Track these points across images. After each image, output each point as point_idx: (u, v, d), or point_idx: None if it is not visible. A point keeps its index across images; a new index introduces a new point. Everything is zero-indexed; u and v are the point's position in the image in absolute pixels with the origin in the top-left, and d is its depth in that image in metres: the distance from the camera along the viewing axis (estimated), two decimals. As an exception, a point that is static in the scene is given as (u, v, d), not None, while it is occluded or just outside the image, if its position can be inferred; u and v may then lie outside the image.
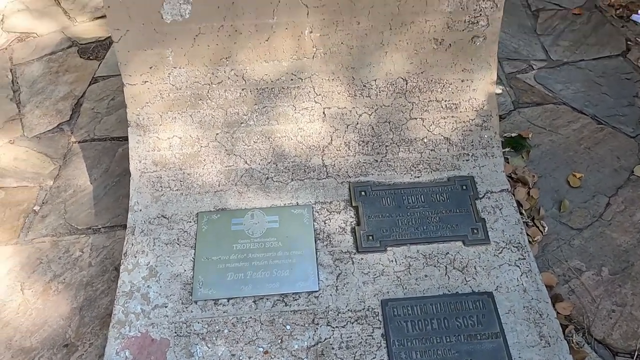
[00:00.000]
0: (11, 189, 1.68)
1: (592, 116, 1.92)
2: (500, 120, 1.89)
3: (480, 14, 1.33)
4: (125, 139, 1.81)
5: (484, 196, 1.37)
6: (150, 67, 1.33)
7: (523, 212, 1.57)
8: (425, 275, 1.23)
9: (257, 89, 1.37)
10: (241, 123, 1.39)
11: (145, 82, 1.34)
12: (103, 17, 2.41)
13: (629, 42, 2.27)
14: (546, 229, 1.54)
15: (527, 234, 1.48)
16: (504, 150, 1.76)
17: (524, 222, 1.52)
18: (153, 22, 1.27)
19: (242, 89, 1.37)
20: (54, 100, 2.00)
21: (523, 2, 2.52)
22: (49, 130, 1.88)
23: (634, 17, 2.40)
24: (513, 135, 1.83)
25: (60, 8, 2.47)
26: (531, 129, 1.86)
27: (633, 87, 2.04)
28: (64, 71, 2.13)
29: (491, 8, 1.32)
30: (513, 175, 1.68)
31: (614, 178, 1.71)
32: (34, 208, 1.62)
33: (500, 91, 2.01)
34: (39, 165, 1.76)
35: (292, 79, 1.37)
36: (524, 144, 1.80)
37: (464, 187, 1.37)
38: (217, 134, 1.39)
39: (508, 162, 1.72)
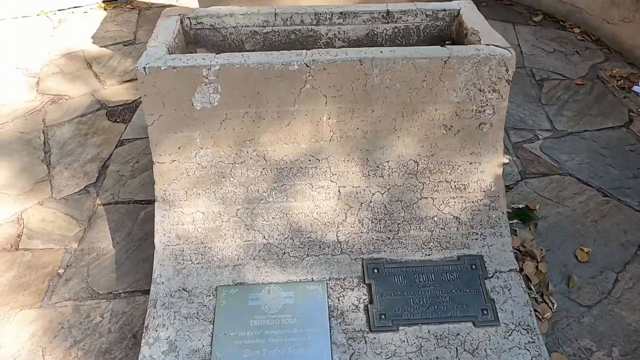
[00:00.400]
0: (38, 251, 1.76)
1: (597, 188, 1.98)
2: (508, 191, 1.96)
3: (487, 104, 1.42)
4: (148, 202, 1.92)
5: (492, 275, 1.42)
6: (179, 148, 1.43)
7: (532, 287, 1.60)
8: (437, 357, 1.26)
9: (277, 168, 1.46)
10: (261, 200, 1.47)
11: (174, 161, 1.44)
12: (131, 80, 2.58)
13: (631, 114, 2.36)
14: (555, 305, 1.57)
15: (537, 311, 1.51)
16: (511, 222, 1.81)
17: (533, 297, 1.55)
18: (184, 109, 1.38)
19: (263, 168, 1.46)
20: (82, 162, 2.11)
21: (528, 71, 2.65)
22: (76, 192, 1.98)
23: (635, 88, 2.50)
24: (520, 206, 1.89)
25: (91, 71, 2.65)
26: (538, 201, 1.92)
27: (637, 159, 2.11)
28: (92, 133, 2.26)
29: (497, 99, 1.42)
30: (521, 249, 1.73)
31: (621, 253, 1.74)
32: (59, 271, 1.69)
33: (507, 161, 2.09)
34: (65, 228, 1.84)
35: (309, 160, 1.46)
36: (532, 215, 1.86)
37: (474, 267, 1.42)
38: (238, 209, 1.47)
39: (516, 235, 1.77)
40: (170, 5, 3.26)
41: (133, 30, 3.02)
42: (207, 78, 1.34)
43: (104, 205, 1.92)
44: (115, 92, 2.50)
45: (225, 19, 1.59)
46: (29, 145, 2.19)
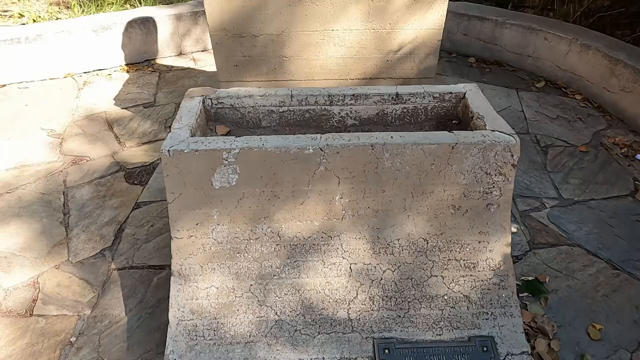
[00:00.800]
0: (52, 318, 1.78)
1: (607, 260, 1.99)
2: (517, 262, 1.98)
3: (493, 186, 1.48)
4: (161, 267, 1.96)
5: (504, 359, 1.41)
6: (197, 224, 1.48)
7: (545, 367, 1.58)
8: None
9: (290, 244, 1.51)
10: (274, 275, 1.50)
11: (191, 236, 1.49)
12: (149, 142, 2.69)
13: (636, 182, 2.41)
14: (569, 387, 1.54)
15: (551, 394, 1.49)
16: (521, 295, 1.82)
17: (546, 378, 1.53)
18: (204, 188, 1.45)
19: (277, 244, 1.51)
20: (99, 225, 2.17)
21: (532, 137, 2.73)
22: (91, 256, 2.03)
23: (639, 156, 2.56)
24: (530, 279, 1.90)
25: (112, 133, 2.77)
26: (547, 273, 1.93)
27: (645, 231, 2.13)
28: (110, 195, 2.33)
29: (503, 181, 1.47)
30: (532, 324, 1.72)
31: (635, 331, 1.73)
32: (71, 339, 1.71)
33: (515, 230, 2.12)
34: (80, 293, 1.87)
35: (322, 237, 1.51)
36: (542, 288, 1.86)
37: (485, 349, 1.42)
38: (251, 285, 1.50)
39: (527, 309, 1.77)
40: (187, 69, 3.46)
41: (153, 92, 3.18)
42: (226, 160, 1.42)
43: (118, 270, 1.96)
44: (134, 154, 2.61)
45: (244, 99, 1.70)
46: (49, 206, 2.27)
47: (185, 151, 1.40)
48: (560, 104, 3.02)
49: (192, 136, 1.49)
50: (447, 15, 2.09)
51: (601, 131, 2.77)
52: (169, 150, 1.40)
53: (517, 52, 3.35)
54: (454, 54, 3.62)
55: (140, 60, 3.50)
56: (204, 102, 1.68)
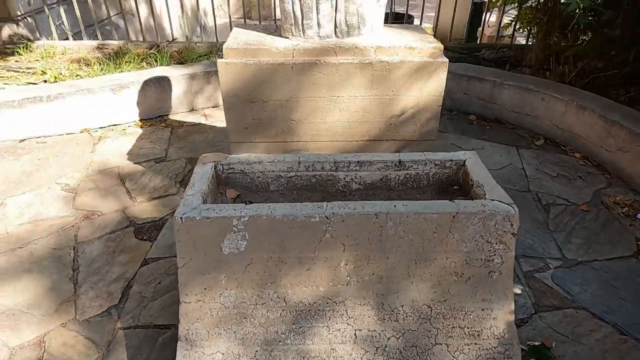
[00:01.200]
0: (55, 380, 1.78)
1: (613, 324, 1.98)
2: (522, 325, 1.97)
3: (495, 254, 1.51)
4: (166, 327, 1.97)
5: None
6: (205, 289, 1.52)
7: None
8: None
9: (296, 310, 1.53)
10: (279, 341, 1.52)
11: (199, 301, 1.52)
12: (159, 197, 2.77)
13: (638, 242, 2.42)
14: None
15: None
16: (528, 361, 1.80)
17: None
18: (213, 253, 1.49)
19: (283, 310, 1.53)
20: (107, 282, 2.20)
21: (534, 195, 2.79)
22: (98, 314, 2.04)
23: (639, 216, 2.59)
24: (536, 344, 1.88)
25: (124, 187, 2.86)
26: (554, 337, 1.92)
27: (650, 294, 2.13)
28: (119, 251, 2.38)
29: (504, 249, 1.51)
30: (540, 393, 1.70)
31: (645, 401, 1.69)
32: (73, 404, 1.70)
33: (519, 291, 2.13)
34: (85, 353, 1.88)
35: (327, 303, 1.53)
36: (548, 354, 1.84)
37: (492, 422, 1.40)
38: (257, 351, 1.51)
39: (534, 377, 1.75)
40: (199, 124, 3.61)
41: (165, 147, 3.30)
42: (236, 227, 1.47)
43: (124, 329, 1.97)
44: (144, 209, 2.68)
45: (254, 165, 1.78)
46: (60, 262, 2.31)
47: (197, 218, 1.46)
48: (560, 162, 3.10)
49: (204, 202, 1.56)
50: (447, 76, 2.21)
51: (601, 190, 2.83)
52: (181, 218, 1.46)
53: (515, 110, 3.48)
54: (455, 112, 3.76)
55: (154, 115, 3.66)
56: (215, 168, 1.77)
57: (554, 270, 2.26)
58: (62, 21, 4.58)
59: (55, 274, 2.25)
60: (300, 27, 2.18)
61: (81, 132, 3.44)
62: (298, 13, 2.15)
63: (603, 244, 2.42)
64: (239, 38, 2.23)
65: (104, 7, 5.38)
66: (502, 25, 4.48)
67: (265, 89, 2.18)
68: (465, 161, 1.78)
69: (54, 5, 4.57)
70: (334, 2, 2.11)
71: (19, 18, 4.57)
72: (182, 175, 2.97)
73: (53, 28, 4.54)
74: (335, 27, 2.18)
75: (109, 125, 3.53)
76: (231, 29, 2.44)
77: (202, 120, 3.67)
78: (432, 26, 5.48)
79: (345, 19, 2.16)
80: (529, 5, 4.09)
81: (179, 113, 3.76)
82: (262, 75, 2.14)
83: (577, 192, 2.81)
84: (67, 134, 3.41)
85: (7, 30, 4.55)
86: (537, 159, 3.14)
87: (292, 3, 2.12)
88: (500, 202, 1.52)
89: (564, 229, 2.52)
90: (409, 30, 2.40)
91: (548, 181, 2.92)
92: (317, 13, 2.13)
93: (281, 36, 2.26)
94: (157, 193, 2.81)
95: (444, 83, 2.19)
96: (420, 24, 4.66)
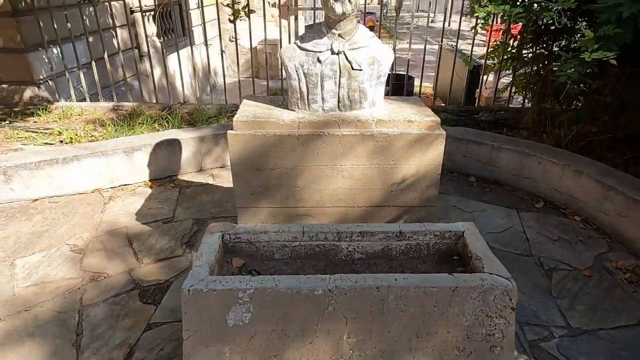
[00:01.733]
0: None
1: (622, 400, 1.94)
2: (529, 399, 1.93)
3: (495, 328, 1.53)
4: (167, 397, 1.95)
5: None
6: (208, 361, 1.53)
7: None
8: None
9: (298, 384, 1.53)
10: (281, 418, 1.50)
11: (202, 374, 1.53)
12: (165, 259, 2.82)
13: (643, 311, 2.41)
14: None
15: None
16: None
17: None
18: (218, 325, 1.52)
19: (285, 384, 1.53)
20: (109, 348, 2.20)
21: (535, 260, 2.80)
22: (99, 384, 2.03)
23: (643, 282, 2.59)
24: (544, 420, 1.84)
25: (131, 249, 2.92)
26: (562, 412, 1.88)
27: (657, 366, 2.09)
28: (124, 315, 2.39)
29: (504, 324, 1.53)
30: None
31: None
32: None
33: (525, 362, 2.10)
34: None
35: (330, 377, 1.54)
36: None
37: None
38: None
39: None
40: (206, 184, 3.72)
41: (173, 207, 3.39)
42: (241, 299, 1.52)
43: (123, 400, 1.95)
44: (150, 271, 2.71)
45: (260, 235, 1.85)
46: (63, 326, 2.32)
47: (204, 291, 1.51)
48: (560, 225, 3.15)
49: (210, 273, 1.61)
50: (447, 140, 2.31)
51: (603, 254, 2.85)
52: (189, 290, 1.51)
53: (514, 173, 3.57)
54: (455, 173, 3.86)
55: (163, 176, 3.79)
56: (223, 237, 1.84)
57: (559, 339, 2.24)
58: (81, 84, 4.86)
59: (59, 338, 2.25)
60: (306, 101, 2.33)
61: (92, 192, 3.55)
62: (304, 89, 2.31)
63: (607, 311, 2.41)
64: (248, 110, 2.38)
65: (120, 70, 5.71)
66: (498, 88, 4.69)
67: (272, 158, 2.30)
68: (463, 232, 1.84)
69: (74, 69, 4.87)
70: (337, 79, 2.27)
71: (41, 81, 4.86)
72: (188, 237, 3.03)
73: (72, 90, 4.81)
74: (339, 101, 2.33)
75: (119, 186, 3.65)
76: (240, 88, 2.61)
77: (210, 181, 3.78)
78: (432, 85, 5.75)
79: (348, 95, 2.31)
80: (522, 72, 4.31)
81: (187, 173, 3.89)
82: (269, 145, 2.26)
83: (579, 256, 2.83)
84: (79, 193, 3.52)
85: (29, 92, 4.82)
86: (537, 222, 3.18)
87: (299, 80, 2.29)
88: (499, 276, 1.57)
89: (567, 295, 2.52)
90: (408, 103, 2.55)
91: (549, 245, 2.94)
92: (322, 89, 2.29)
93: (287, 109, 2.41)
94: (163, 254, 2.86)
95: (442, 153, 2.30)
96: (420, 84, 4.93)
